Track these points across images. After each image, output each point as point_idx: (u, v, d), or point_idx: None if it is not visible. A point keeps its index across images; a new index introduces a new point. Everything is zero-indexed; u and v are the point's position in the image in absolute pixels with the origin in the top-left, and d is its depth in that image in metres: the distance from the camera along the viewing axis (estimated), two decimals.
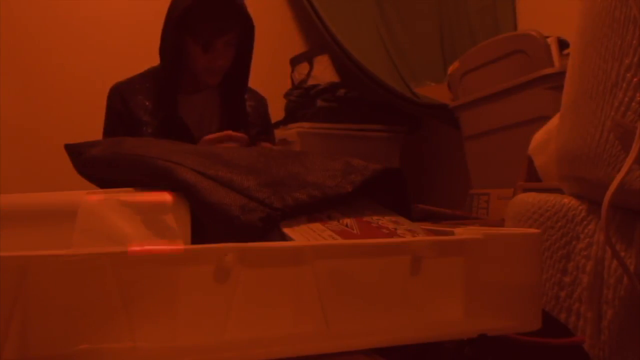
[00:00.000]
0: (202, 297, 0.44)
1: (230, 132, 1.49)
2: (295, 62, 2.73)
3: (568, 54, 1.01)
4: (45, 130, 2.47)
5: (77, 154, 0.72)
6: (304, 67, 2.66)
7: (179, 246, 0.47)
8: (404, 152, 2.60)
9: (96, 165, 0.70)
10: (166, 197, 0.58)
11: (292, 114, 2.53)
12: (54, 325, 0.40)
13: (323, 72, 2.59)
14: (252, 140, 1.56)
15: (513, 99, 1.76)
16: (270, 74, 2.49)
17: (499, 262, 0.56)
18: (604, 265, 0.74)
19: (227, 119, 1.65)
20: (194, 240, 0.58)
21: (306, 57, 2.67)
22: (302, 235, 0.56)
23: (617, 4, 0.68)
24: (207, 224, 0.59)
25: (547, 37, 1.68)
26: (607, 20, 0.69)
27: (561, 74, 1.23)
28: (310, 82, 2.58)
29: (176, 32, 1.52)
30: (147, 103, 1.60)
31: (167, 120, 1.58)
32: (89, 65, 2.55)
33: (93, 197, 0.57)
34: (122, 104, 1.60)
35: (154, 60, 1.64)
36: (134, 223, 0.55)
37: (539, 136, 1.06)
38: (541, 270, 0.78)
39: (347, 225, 0.60)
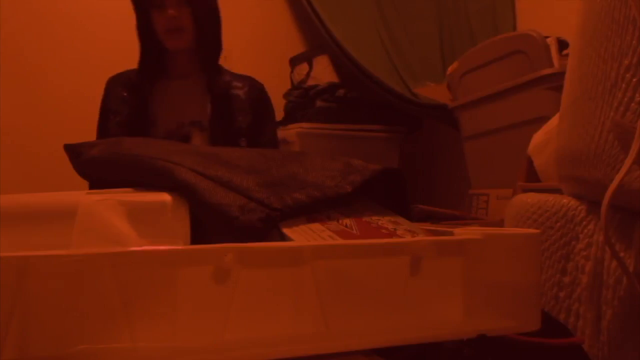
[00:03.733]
0: (202, 298, 0.44)
1: None
2: (294, 62, 2.73)
3: (567, 55, 1.01)
4: (45, 131, 2.47)
5: (77, 154, 0.72)
6: (303, 68, 2.66)
7: (178, 246, 0.47)
8: (404, 153, 2.60)
9: (95, 166, 0.70)
10: (165, 197, 0.58)
11: (292, 115, 2.53)
12: (53, 326, 0.40)
13: (322, 72, 2.59)
14: (239, 129, 1.63)
15: (512, 99, 1.76)
16: (269, 74, 2.49)
17: (499, 263, 0.56)
18: (603, 266, 0.74)
19: (216, 103, 1.68)
20: (194, 241, 0.58)
21: (305, 58, 2.67)
22: (302, 235, 0.56)
23: (617, 5, 0.68)
24: (207, 224, 0.59)
25: (547, 37, 1.68)
26: (607, 20, 0.70)
27: (560, 75, 1.23)
28: (310, 82, 2.58)
29: (141, 8, 1.64)
30: (124, 93, 1.68)
31: (137, 106, 1.65)
32: (89, 66, 2.55)
33: (92, 197, 0.57)
34: (106, 93, 1.71)
35: None
36: (133, 223, 0.55)
37: (538, 136, 1.06)
38: (540, 271, 0.78)
39: (346, 226, 0.60)
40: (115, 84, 1.71)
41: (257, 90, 1.77)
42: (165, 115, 1.66)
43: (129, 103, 1.67)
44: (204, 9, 1.66)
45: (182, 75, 1.70)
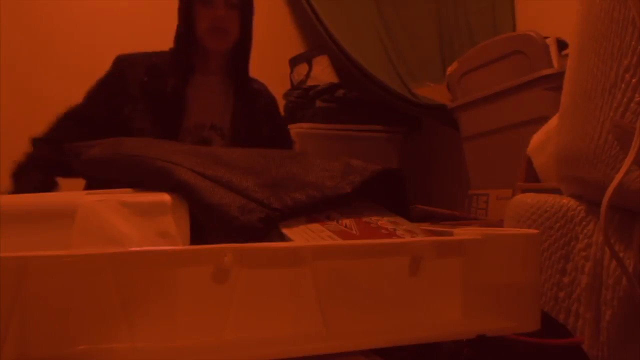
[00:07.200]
0: (201, 298, 0.45)
1: None
2: (294, 62, 2.73)
3: (567, 55, 1.01)
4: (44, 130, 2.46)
5: (76, 154, 0.72)
6: (303, 68, 2.66)
7: (178, 247, 0.47)
8: (403, 153, 2.60)
9: (95, 166, 0.70)
10: (165, 197, 0.58)
11: (291, 115, 2.53)
12: (53, 326, 0.40)
13: (322, 72, 2.59)
14: (262, 140, 1.61)
15: (512, 99, 1.76)
16: (269, 74, 2.49)
17: (498, 263, 0.56)
18: (602, 266, 0.74)
19: (239, 111, 1.65)
20: (193, 241, 0.58)
21: (305, 58, 2.67)
22: (301, 235, 0.56)
23: (616, 5, 0.68)
24: (206, 224, 0.59)
25: (546, 37, 1.68)
26: (606, 21, 0.70)
27: (560, 75, 1.23)
28: (309, 82, 2.58)
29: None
30: (145, 78, 1.59)
31: (165, 92, 1.58)
32: (89, 64, 2.55)
33: (92, 198, 0.57)
34: (119, 73, 1.61)
35: None
36: (133, 223, 0.55)
37: (538, 137, 1.06)
38: (540, 271, 0.78)
39: (346, 226, 0.60)
40: (133, 65, 1.61)
41: (271, 104, 1.79)
42: (186, 112, 1.60)
43: (149, 90, 1.59)
44: (251, 14, 1.64)
45: (208, 72, 1.64)
